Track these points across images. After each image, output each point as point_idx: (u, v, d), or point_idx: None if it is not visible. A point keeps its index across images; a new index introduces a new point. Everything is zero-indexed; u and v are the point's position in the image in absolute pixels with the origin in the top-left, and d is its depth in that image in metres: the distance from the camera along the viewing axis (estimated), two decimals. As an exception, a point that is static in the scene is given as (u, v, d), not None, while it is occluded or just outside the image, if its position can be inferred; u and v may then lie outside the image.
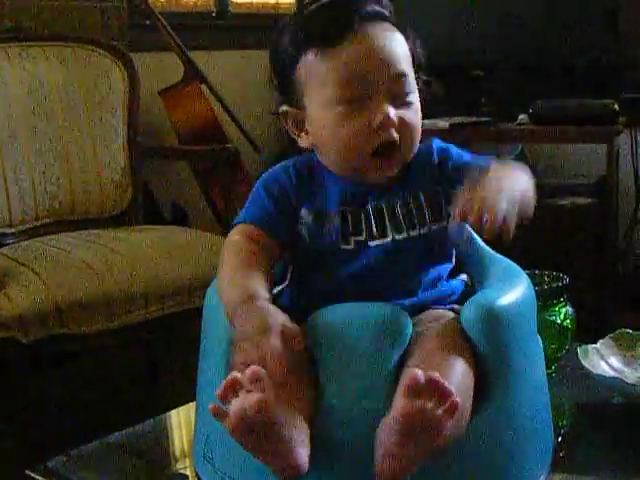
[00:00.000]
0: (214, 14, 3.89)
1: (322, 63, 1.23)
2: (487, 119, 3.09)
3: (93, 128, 2.93)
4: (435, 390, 1.00)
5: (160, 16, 3.34)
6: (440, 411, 1.00)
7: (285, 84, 1.29)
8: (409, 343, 1.15)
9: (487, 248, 1.38)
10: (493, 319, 1.17)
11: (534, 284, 1.31)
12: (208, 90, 3.36)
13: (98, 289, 2.31)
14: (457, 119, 3.07)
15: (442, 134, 3.01)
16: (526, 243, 2.78)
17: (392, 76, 1.22)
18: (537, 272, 1.60)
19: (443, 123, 3.03)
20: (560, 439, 1.37)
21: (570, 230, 2.99)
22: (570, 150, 3.53)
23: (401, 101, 1.23)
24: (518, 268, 1.32)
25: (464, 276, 1.33)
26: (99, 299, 2.30)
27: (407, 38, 1.28)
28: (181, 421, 1.56)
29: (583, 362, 1.55)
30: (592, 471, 1.29)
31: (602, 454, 1.34)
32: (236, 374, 1.02)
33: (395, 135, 1.22)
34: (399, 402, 1.01)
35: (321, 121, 1.25)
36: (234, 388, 1.02)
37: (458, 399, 1.01)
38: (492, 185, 1.16)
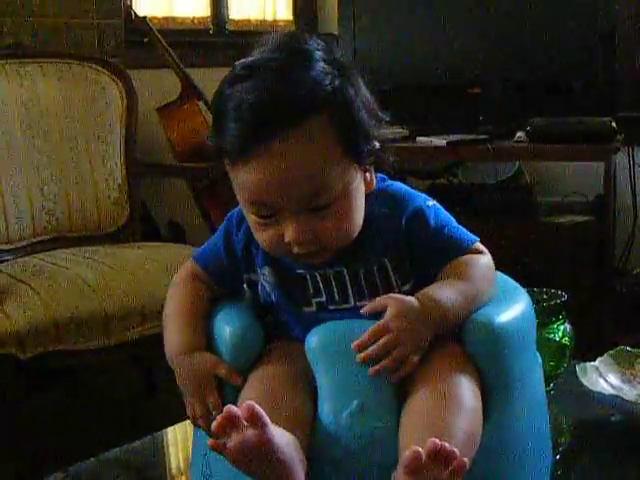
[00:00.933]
0: (211, 31, 3.91)
1: (233, 175, 1.14)
2: (484, 137, 3.09)
3: (90, 145, 2.93)
4: (439, 458, 0.97)
5: (157, 33, 3.35)
6: (447, 475, 0.98)
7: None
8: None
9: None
10: (493, 336, 1.16)
11: (532, 302, 1.30)
12: (205, 107, 3.36)
13: (95, 306, 2.30)
14: (454, 137, 3.07)
15: (439, 152, 3.05)
16: (524, 261, 2.78)
17: (304, 196, 1.10)
18: (535, 290, 1.60)
19: (440, 141, 3.03)
20: (559, 457, 1.37)
21: (568, 248, 2.98)
22: (568, 168, 3.53)
23: (320, 211, 1.12)
24: (517, 285, 1.32)
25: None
26: (96, 316, 2.30)
27: (344, 125, 1.12)
28: (178, 438, 1.55)
29: (582, 380, 1.55)
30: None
31: (601, 472, 1.34)
32: (231, 407, 1.00)
33: (310, 247, 1.14)
34: (402, 476, 0.98)
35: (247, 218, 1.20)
36: (232, 422, 1.00)
37: (465, 460, 0.98)
38: (403, 320, 1.11)
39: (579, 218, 3.10)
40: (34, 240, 2.81)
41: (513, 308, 1.23)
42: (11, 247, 2.76)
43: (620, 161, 3.32)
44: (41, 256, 2.65)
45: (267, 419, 1.01)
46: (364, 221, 1.18)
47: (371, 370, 1.11)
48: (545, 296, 1.63)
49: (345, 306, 1.21)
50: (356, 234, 1.17)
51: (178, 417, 1.56)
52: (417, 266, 1.21)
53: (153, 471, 1.42)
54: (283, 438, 1.03)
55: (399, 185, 1.25)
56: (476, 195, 3.19)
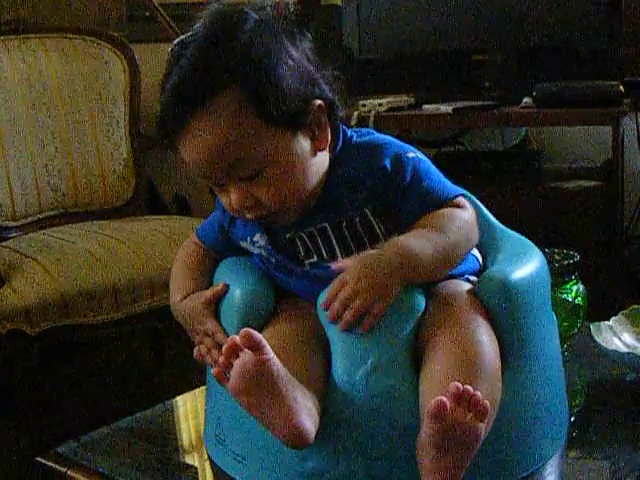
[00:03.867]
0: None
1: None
2: (491, 103, 3.07)
3: (94, 119, 2.92)
4: (462, 401, 0.98)
5: (159, 7, 3.32)
6: (471, 419, 0.99)
7: None
8: (428, 315, 1.14)
9: (498, 223, 1.36)
10: (508, 292, 1.15)
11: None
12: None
13: (103, 279, 2.30)
14: (461, 104, 3.05)
15: (446, 119, 3.02)
16: (532, 228, 2.77)
17: (229, 166, 1.15)
18: (548, 250, 1.58)
19: (446, 108, 3.01)
20: (574, 416, 1.36)
21: (576, 213, 2.96)
22: (575, 134, 3.51)
23: (252, 178, 1.16)
24: (530, 243, 1.31)
25: (476, 252, 1.30)
26: (104, 289, 2.29)
27: (263, 95, 1.13)
28: (189, 406, 1.55)
29: (596, 339, 1.53)
30: (606, 447, 1.28)
31: (616, 430, 1.33)
32: (234, 337, 1.03)
33: (258, 212, 1.19)
34: (428, 422, 0.99)
35: None
36: (235, 351, 1.03)
37: (487, 403, 0.99)
38: (362, 270, 1.11)
39: (587, 183, 3.08)
40: (40, 216, 2.81)
41: (528, 264, 1.22)
42: (17, 224, 2.76)
43: (628, 126, 3.29)
44: (48, 231, 2.65)
45: (265, 343, 1.03)
46: (341, 174, 1.21)
47: (339, 325, 1.11)
48: (557, 257, 1.62)
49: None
50: (306, 194, 1.19)
51: (188, 387, 1.56)
52: (401, 216, 1.21)
53: (165, 438, 1.41)
54: (288, 376, 1.04)
55: (382, 136, 1.26)
56: (483, 162, 3.17)
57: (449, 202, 1.21)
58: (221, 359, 1.04)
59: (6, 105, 2.78)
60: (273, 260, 1.25)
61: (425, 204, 1.20)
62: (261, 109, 1.14)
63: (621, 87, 2.94)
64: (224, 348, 1.03)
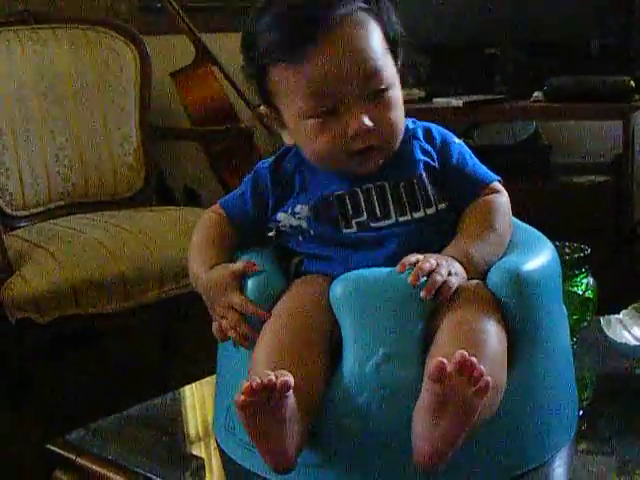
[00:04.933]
0: (224, -4, 3.87)
1: (288, 77, 1.18)
2: (501, 97, 3.07)
3: (105, 110, 2.92)
4: (465, 370, 0.99)
5: (170, -1, 3.32)
6: (471, 391, 0.99)
7: (259, 88, 1.26)
8: (439, 307, 1.14)
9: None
10: (520, 284, 1.15)
11: (556, 254, 1.30)
12: (220, 72, 3.34)
13: (113, 269, 2.30)
14: (471, 97, 3.05)
15: (456, 112, 3.02)
16: (542, 222, 2.76)
17: (364, 77, 1.17)
18: (558, 243, 1.58)
19: (457, 101, 3.01)
20: (584, 408, 1.36)
21: (586, 208, 2.96)
22: (585, 129, 3.51)
23: (377, 98, 1.19)
24: (541, 235, 1.31)
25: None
26: (114, 279, 2.30)
27: (381, 20, 1.22)
28: (198, 395, 1.55)
29: (606, 332, 1.53)
30: (615, 440, 1.28)
31: (626, 423, 1.33)
32: (271, 377, 1.01)
33: (371, 140, 1.19)
34: (427, 384, 1.00)
35: (296, 131, 1.23)
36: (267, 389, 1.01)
37: (489, 378, 0.99)
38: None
39: (598, 178, 3.08)
40: (50, 206, 2.81)
41: (539, 256, 1.22)
42: (27, 213, 2.76)
43: (638, 122, 3.29)
44: (57, 221, 2.65)
45: (291, 382, 1.01)
46: (411, 135, 1.27)
47: (423, 293, 1.11)
48: (567, 250, 1.62)
49: (387, 222, 1.22)
50: (401, 136, 1.23)
51: (197, 377, 1.56)
52: (449, 192, 1.26)
53: (174, 427, 1.42)
54: (292, 408, 1.04)
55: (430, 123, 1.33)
56: (493, 157, 3.14)
57: (489, 186, 1.28)
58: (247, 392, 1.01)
59: (17, 95, 2.78)
60: (311, 232, 1.24)
61: (471, 186, 1.27)
62: (385, 31, 1.22)
63: (632, 82, 2.94)
64: (257, 384, 1.00)
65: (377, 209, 1.23)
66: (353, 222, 1.23)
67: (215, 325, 1.22)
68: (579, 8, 3.16)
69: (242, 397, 1.00)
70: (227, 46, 3.54)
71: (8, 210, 2.71)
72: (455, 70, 3.26)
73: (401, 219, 1.22)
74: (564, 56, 3.22)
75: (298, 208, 1.25)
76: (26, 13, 3.00)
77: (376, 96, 1.18)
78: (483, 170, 1.30)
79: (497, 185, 1.30)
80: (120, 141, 2.92)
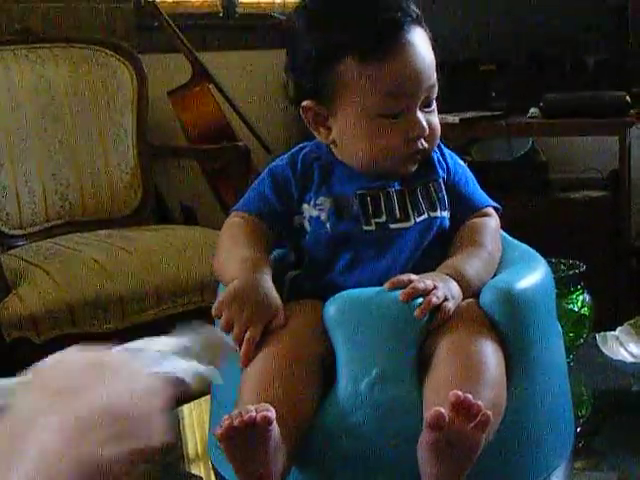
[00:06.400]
0: (221, 14, 3.88)
1: (364, 73, 1.19)
2: (498, 113, 3.07)
3: (102, 129, 2.93)
4: (462, 410, 0.98)
5: (167, 17, 3.33)
6: (471, 427, 0.98)
7: (313, 80, 1.24)
8: (432, 326, 1.13)
9: (503, 233, 1.36)
10: (512, 302, 1.15)
11: (551, 272, 1.29)
12: (217, 90, 3.35)
13: (110, 288, 2.30)
14: (468, 114, 3.05)
15: (452, 129, 3.02)
16: (539, 236, 2.76)
17: (431, 84, 1.23)
18: (554, 260, 1.58)
19: (453, 118, 3.01)
20: (580, 426, 1.36)
21: (583, 224, 2.97)
22: (582, 144, 3.51)
23: (428, 107, 1.24)
24: (535, 253, 1.31)
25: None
26: (111, 298, 2.30)
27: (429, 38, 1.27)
28: (195, 414, 1.54)
29: (602, 349, 1.53)
30: (612, 458, 1.28)
31: (623, 441, 1.33)
32: (252, 414, 1.00)
33: (424, 144, 1.24)
34: (426, 432, 0.99)
35: (353, 128, 1.23)
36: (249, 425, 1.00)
37: (489, 413, 0.98)
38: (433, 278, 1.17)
39: (594, 194, 3.08)
40: (47, 225, 2.82)
41: (532, 274, 1.22)
42: (24, 232, 2.77)
43: (635, 137, 3.30)
44: (55, 240, 2.66)
45: (273, 417, 1.00)
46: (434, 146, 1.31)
47: (419, 311, 1.12)
48: (563, 267, 1.61)
49: (406, 225, 1.24)
50: None
51: (194, 397, 1.56)
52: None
53: (170, 447, 1.41)
54: (276, 439, 1.02)
55: None
56: (491, 173, 3.16)
57: (482, 210, 1.32)
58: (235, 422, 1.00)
59: (15, 114, 2.79)
60: (329, 226, 1.25)
61: (465, 207, 1.31)
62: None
63: (628, 98, 2.94)
64: (238, 421, 0.99)
65: (397, 211, 1.25)
66: (373, 221, 1.25)
67: (224, 319, 1.16)
68: (575, 25, 3.17)
69: (221, 431, 1.00)
70: (224, 64, 3.56)
71: (5, 229, 2.72)
72: (451, 86, 3.27)
73: (419, 219, 1.25)
74: (560, 72, 3.23)
75: (321, 200, 1.26)
76: (24, 32, 3.01)
77: (429, 104, 1.24)
78: (480, 194, 1.34)
79: (489, 210, 1.33)
80: (117, 160, 2.93)
